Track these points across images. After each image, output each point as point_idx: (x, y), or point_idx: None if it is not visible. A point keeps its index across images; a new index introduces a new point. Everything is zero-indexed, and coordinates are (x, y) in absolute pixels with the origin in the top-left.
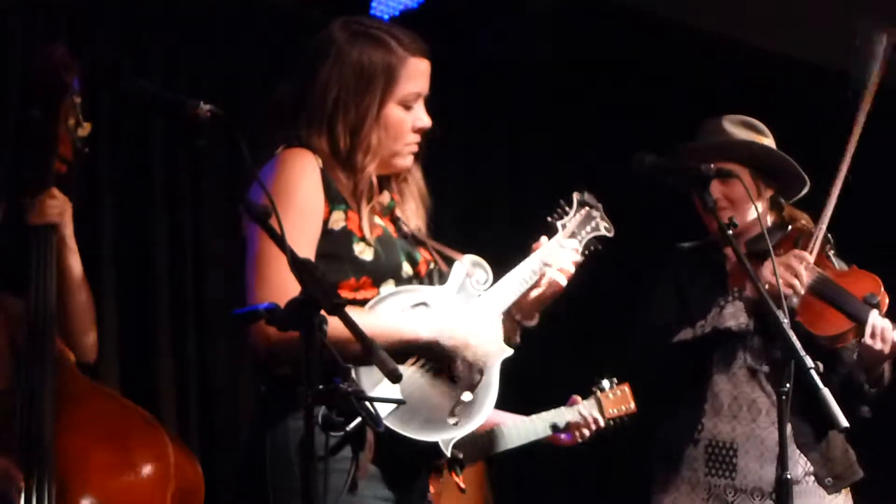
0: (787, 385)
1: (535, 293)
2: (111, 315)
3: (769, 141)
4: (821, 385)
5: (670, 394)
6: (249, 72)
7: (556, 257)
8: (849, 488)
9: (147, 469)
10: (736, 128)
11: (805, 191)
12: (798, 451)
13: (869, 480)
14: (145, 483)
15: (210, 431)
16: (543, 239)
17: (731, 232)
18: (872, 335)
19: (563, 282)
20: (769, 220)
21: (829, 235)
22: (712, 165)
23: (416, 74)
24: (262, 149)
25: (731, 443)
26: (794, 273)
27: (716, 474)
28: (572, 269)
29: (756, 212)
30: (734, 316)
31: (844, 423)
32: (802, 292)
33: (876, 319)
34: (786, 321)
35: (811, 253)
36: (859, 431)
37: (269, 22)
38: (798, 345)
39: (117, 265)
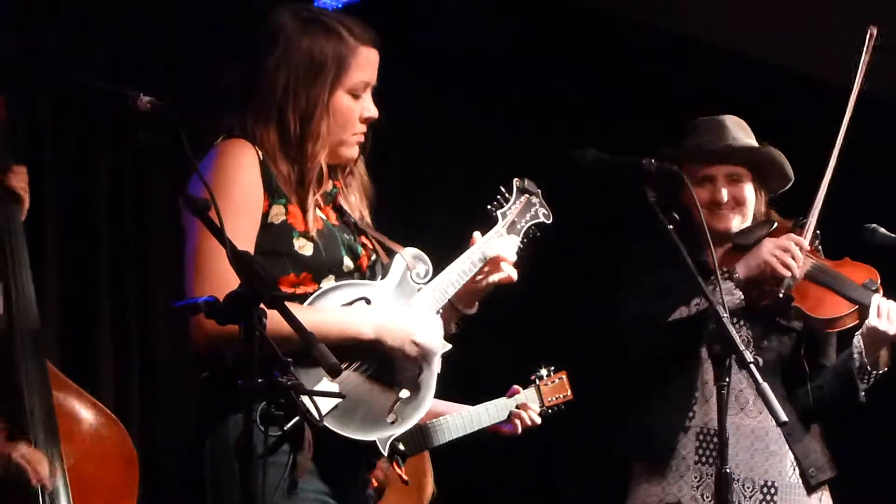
0: (727, 379)
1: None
2: (53, 315)
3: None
4: (760, 380)
5: (658, 379)
6: (194, 56)
7: (501, 249)
8: (827, 488)
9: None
10: (738, 129)
11: (786, 188)
12: (786, 447)
13: (844, 479)
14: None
15: (152, 434)
16: (477, 234)
17: (671, 227)
18: (879, 315)
19: (515, 275)
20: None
21: (818, 231)
22: (653, 161)
23: (365, 64)
24: (206, 137)
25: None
26: (791, 254)
27: (706, 462)
28: (515, 259)
29: (700, 218)
30: (729, 292)
31: (784, 417)
32: (799, 275)
33: (881, 301)
34: (725, 316)
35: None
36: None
37: (216, 6)
38: (738, 339)
39: (60, 265)
